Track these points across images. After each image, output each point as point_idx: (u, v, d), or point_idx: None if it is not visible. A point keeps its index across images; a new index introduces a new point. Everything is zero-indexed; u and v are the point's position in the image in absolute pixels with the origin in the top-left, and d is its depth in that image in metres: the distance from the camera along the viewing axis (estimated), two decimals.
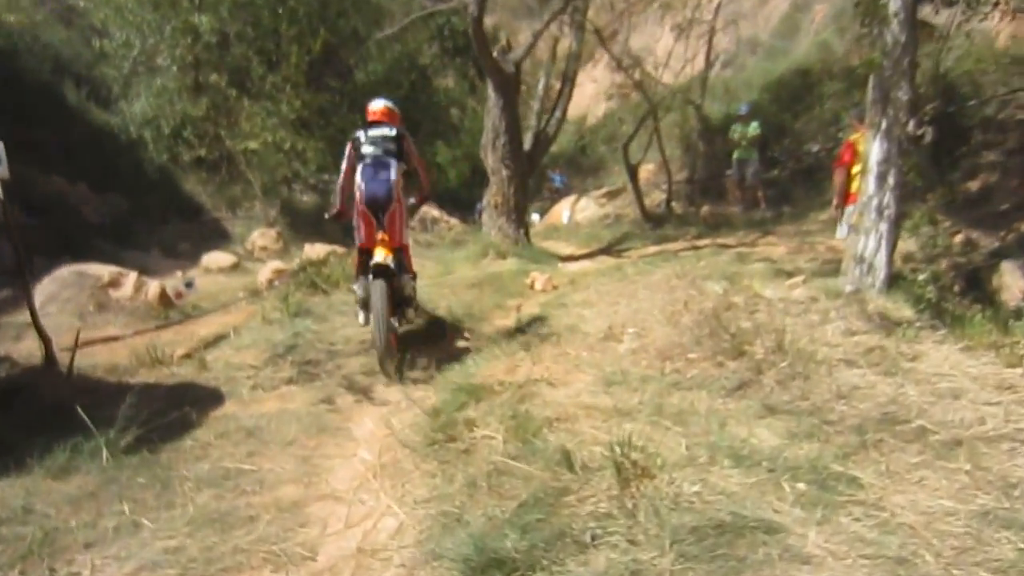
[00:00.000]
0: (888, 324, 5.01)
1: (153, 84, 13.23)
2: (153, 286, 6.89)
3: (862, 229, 5.73)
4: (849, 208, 6.20)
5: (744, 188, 12.37)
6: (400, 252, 5.44)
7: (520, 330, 5.67)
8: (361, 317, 5.41)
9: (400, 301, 5.45)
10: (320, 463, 3.42)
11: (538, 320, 6.00)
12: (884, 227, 5.62)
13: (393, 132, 5.58)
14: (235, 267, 9.90)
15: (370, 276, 5.11)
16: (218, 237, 12.41)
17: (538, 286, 7.75)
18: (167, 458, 3.42)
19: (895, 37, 5.39)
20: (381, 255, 5.12)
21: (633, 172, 11.90)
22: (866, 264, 5.72)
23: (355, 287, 5.47)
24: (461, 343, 5.68)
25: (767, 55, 22.52)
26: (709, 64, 14.31)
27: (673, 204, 13.60)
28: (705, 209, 12.35)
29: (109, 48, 13.18)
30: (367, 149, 5.48)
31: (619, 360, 4.62)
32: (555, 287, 7.75)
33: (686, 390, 3.93)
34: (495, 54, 9.09)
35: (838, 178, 6.41)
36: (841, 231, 6.62)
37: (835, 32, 18.00)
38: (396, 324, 5.42)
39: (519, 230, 9.49)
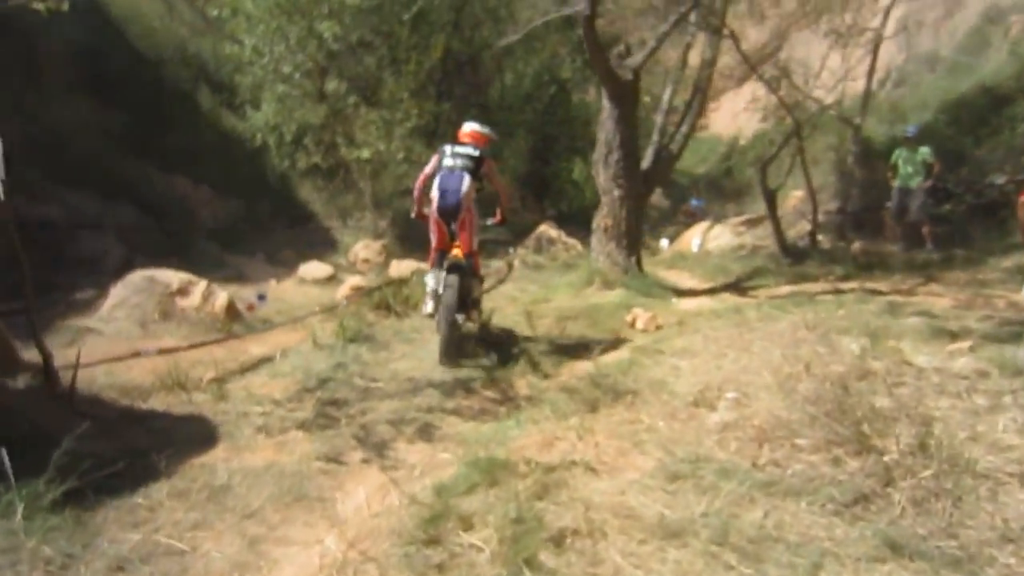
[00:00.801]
0: None
1: (277, 91, 13.41)
2: (221, 296, 6.61)
3: None
4: None
5: (906, 223, 10.74)
6: (469, 257, 6.02)
7: (596, 380, 4.81)
8: (429, 306, 5.97)
9: (467, 300, 6.00)
10: (270, 550, 2.77)
11: (623, 369, 5.12)
12: None
13: (476, 152, 6.13)
14: (330, 279, 9.61)
15: (443, 272, 5.80)
16: (325, 246, 12.31)
17: (639, 325, 6.84)
18: (98, 521, 2.88)
19: None
20: (455, 253, 5.89)
21: (771, 198, 10.62)
22: None
23: (427, 278, 6.08)
24: (523, 389, 4.90)
25: (948, 72, 20.12)
26: (872, 77, 12.65)
27: (821, 237, 12.12)
28: (856, 245, 10.83)
29: (242, 56, 13.53)
30: (447, 162, 6.07)
31: (701, 438, 3.68)
32: (659, 327, 6.80)
33: (778, 497, 2.95)
34: (611, 59, 8.26)
35: (1022, 213, 5.04)
36: None
37: None
38: (461, 320, 5.89)
39: (630, 258, 8.55)
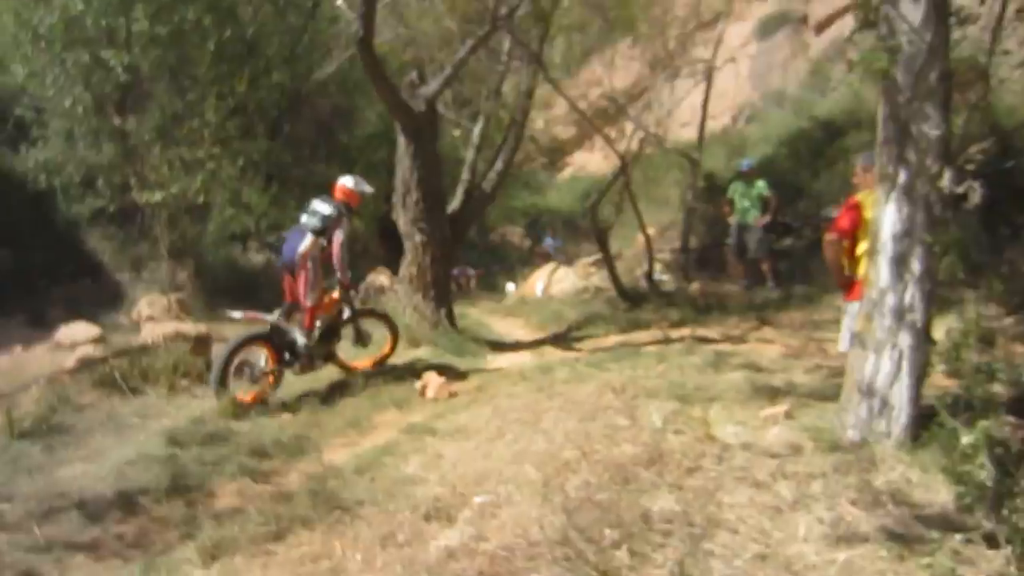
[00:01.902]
0: (908, 520, 3.00)
1: (54, 126, 11.72)
2: None
3: (871, 342, 3.74)
4: (852, 305, 4.19)
5: (746, 260, 10.37)
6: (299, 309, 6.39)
7: (318, 487, 3.71)
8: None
9: (291, 352, 6.30)
10: None
11: (364, 465, 4.05)
12: (905, 341, 3.64)
13: (327, 211, 6.39)
14: (98, 342, 8.04)
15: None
16: (114, 302, 10.67)
17: (430, 393, 5.83)
18: None
19: (915, 30, 3.51)
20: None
21: (602, 238, 9.98)
22: (877, 399, 3.72)
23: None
24: (226, 498, 3.73)
25: (793, 108, 20.78)
26: (706, 108, 12.41)
27: (666, 276, 11.64)
28: (696, 286, 10.37)
29: (13, 85, 11.79)
30: (301, 218, 6.50)
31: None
32: (452, 395, 5.82)
33: None
34: (404, 88, 7.35)
35: (830, 254, 4.38)
36: (843, 340, 4.58)
37: (868, 80, 16.21)
38: (287, 370, 6.33)
39: (440, 311, 7.55)
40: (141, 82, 11.88)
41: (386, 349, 7.14)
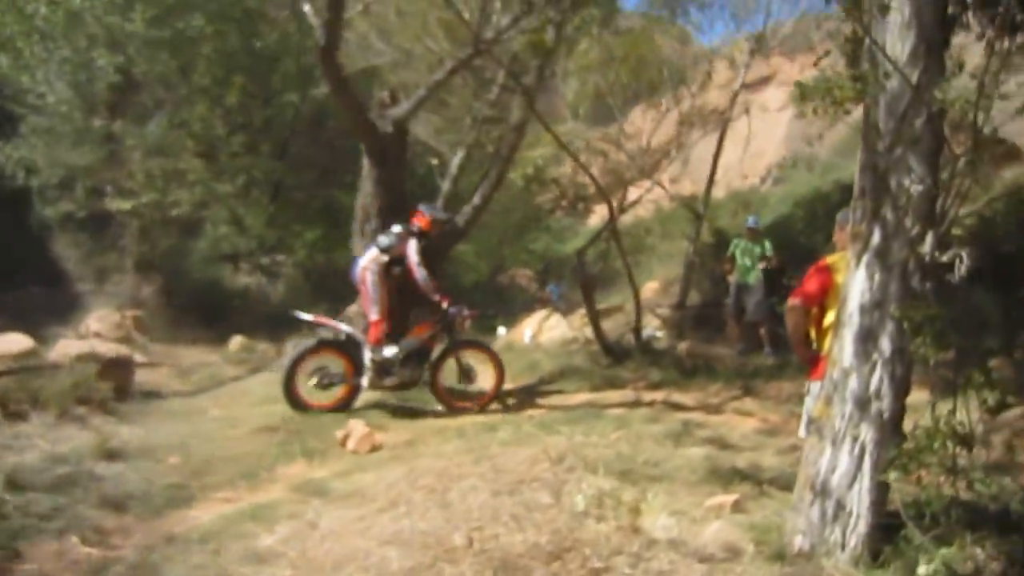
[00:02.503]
0: None
1: (42, 123, 11.44)
2: None
3: (828, 431, 3.14)
4: (815, 385, 3.56)
5: (744, 323, 9.73)
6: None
7: (167, 550, 3.14)
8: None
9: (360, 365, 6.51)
10: None
11: (231, 528, 3.48)
12: (868, 433, 3.05)
13: (397, 229, 6.66)
14: (29, 354, 7.46)
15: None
16: (67, 314, 10.20)
17: (350, 444, 5.26)
18: None
19: (897, 68, 2.99)
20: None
21: (587, 288, 9.39)
22: (832, 501, 3.11)
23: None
24: (44, 562, 3.15)
25: (820, 172, 20.26)
26: (717, 161, 11.86)
27: (660, 334, 10.98)
28: (684, 346, 9.71)
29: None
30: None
31: None
32: (375, 447, 5.25)
33: None
34: (373, 108, 6.91)
35: (791, 322, 3.75)
36: (802, 425, 3.93)
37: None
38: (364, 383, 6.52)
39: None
40: (137, 86, 11.66)
41: (490, 390, 6.90)
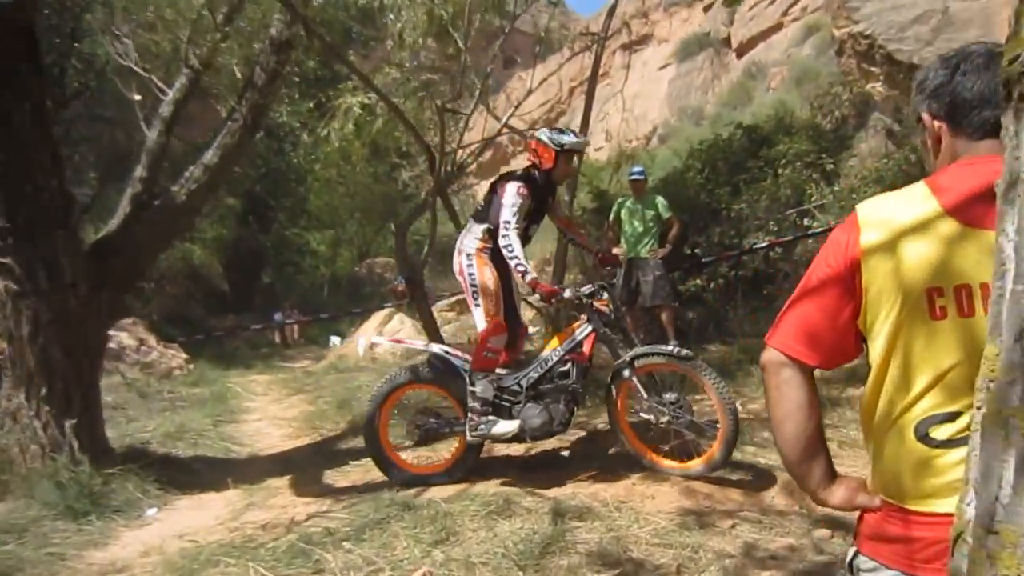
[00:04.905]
0: None
1: None
2: None
3: None
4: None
5: (637, 310, 7.46)
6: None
7: None
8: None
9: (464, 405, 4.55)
10: None
11: None
12: None
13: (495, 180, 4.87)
14: None
15: None
16: None
17: None
18: None
19: None
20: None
21: (414, 283, 6.82)
22: None
23: None
24: None
25: (711, 123, 18.57)
26: (588, 118, 9.30)
27: (531, 332, 8.60)
28: None
29: None
30: None
31: None
32: None
33: None
34: None
35: (776, 394, 1.44)
36: None
37: (797, 94, 13.91)
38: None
39: (62, 423, 4.22)
40: None
41: (715, 443, 4.22)
